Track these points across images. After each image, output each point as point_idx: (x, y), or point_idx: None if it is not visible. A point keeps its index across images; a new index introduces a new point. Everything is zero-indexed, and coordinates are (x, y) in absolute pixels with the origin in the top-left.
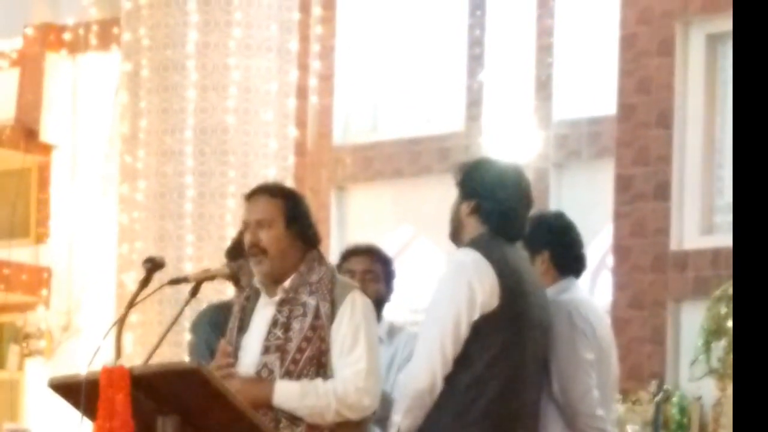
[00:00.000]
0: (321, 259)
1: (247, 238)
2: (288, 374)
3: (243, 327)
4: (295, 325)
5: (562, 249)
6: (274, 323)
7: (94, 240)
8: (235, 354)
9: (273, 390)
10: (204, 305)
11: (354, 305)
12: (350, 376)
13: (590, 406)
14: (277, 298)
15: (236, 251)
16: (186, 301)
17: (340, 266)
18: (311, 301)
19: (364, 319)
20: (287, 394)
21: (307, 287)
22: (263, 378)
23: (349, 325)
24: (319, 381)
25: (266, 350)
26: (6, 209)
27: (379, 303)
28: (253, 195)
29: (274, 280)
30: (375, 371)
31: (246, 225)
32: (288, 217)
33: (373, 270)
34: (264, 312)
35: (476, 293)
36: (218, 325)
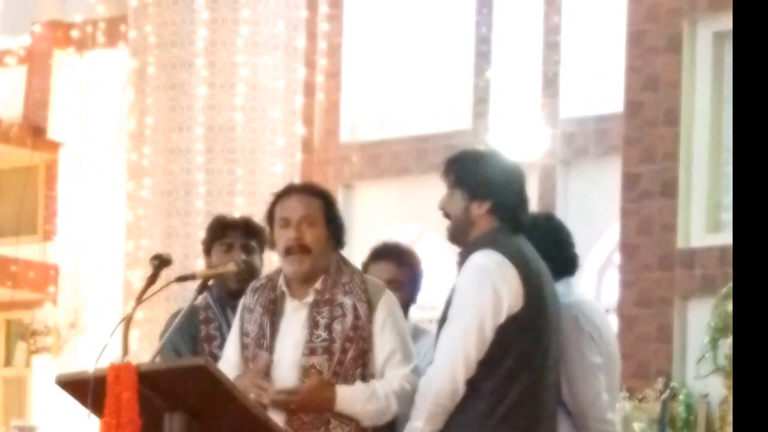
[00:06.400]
0: (345, 260)
1: (290, 235)
2: (335, 375)
3: (275, 330)
4: (336, 326)
5: (555, 251)
6: (315, 324)
7: (102, 237)
8: (270, 357)
9: (335, 396)
10: None
11: (391, 310)
12: (403, 377)
13: (600, 410)
14: (309, 299)
15: (208, 243)
16: (193, 299)
17: (365, 266)
18: (348, 301)
19: (403, 326)
20: (351, 399)
21: (340, 287)
22: (322, 382)
23: (394, 333)
24: (377, 384)
25: (312, 351)
26: (13, 206)
27: (404, 307)
28: (291, 193)
29: (305, 280)
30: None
31: (285, 222)
32: (328, 217)
33: (398, 279)
34: (296, 314)
35: (502, 298)
36: (183, 329)
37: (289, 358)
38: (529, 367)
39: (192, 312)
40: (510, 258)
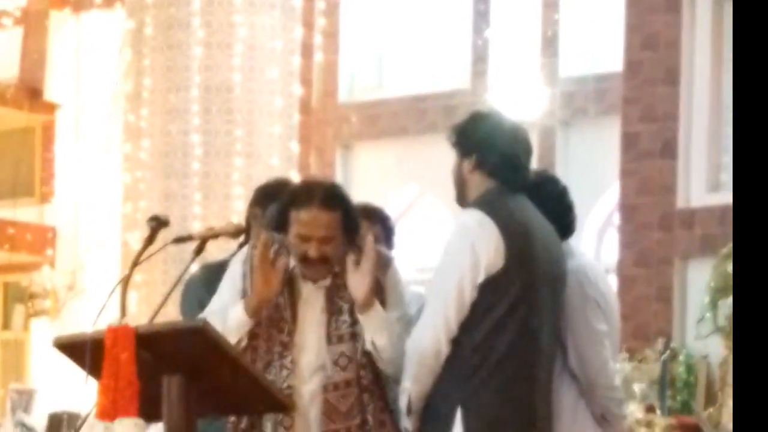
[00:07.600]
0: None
1: (310, 252)
2: (364, 356)
3: (294, 314)
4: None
5: (559, 216)
6: (338, 310)
7: (99, 199)
8: (290, 338)
9: (375, 306)
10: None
11: (397, 276)
12: None
13: (608, 378)
14: (327, 282)
15: (266, 198)
16: (191, 260)
17: None
18: None
19: (405, 293)
20: (380, 315)
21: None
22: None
23: (400, 299)
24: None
25: (339, 339)
26: (10, 169)
27: None
28: (311, 204)
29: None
30: None
31: (305, 238)
32: (345, 229)
33: (372, 234)
34: (313, 297)
35: (480, 256)
36: (211, 284)
37: (315, 345)
38: (513, 326)
39: (221, 267)
40: (493, 216)
